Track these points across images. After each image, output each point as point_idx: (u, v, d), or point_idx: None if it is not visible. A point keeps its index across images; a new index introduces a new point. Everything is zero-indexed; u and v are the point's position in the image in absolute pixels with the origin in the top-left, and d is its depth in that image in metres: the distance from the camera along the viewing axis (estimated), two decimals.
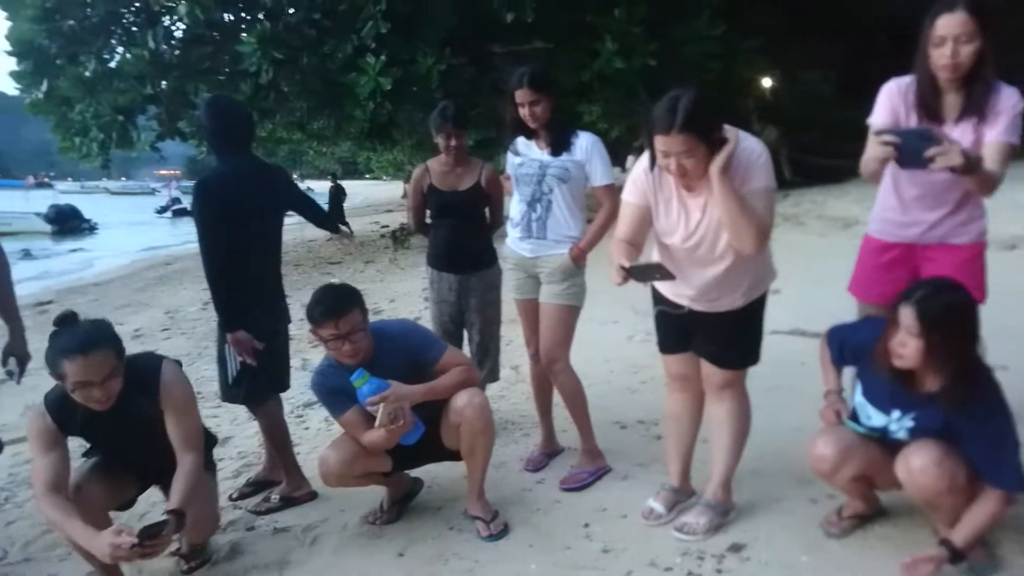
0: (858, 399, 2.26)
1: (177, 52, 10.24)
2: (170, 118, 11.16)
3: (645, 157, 2.24)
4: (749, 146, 2.15)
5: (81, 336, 2.12)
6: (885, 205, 2.44)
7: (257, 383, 2.93)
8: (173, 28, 10.23)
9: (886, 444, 2.19)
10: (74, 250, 19.77)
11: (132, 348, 6.03)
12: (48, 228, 23.90)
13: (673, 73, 9.67)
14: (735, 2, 10.02)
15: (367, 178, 50.95)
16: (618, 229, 2.34)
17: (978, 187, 2.19)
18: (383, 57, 8.58)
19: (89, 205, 30.10)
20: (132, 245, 19.70)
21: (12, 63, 10.68)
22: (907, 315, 1.96)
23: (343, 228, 3.53)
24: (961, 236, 2.33)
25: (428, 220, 3.42)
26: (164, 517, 2.11)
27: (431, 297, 3.45)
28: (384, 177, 42.74)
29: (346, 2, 8.70)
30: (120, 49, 10.58)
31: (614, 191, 2.89)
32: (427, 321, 3.44)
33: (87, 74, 10.04)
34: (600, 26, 8.84)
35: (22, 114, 12.66)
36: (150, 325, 7.48)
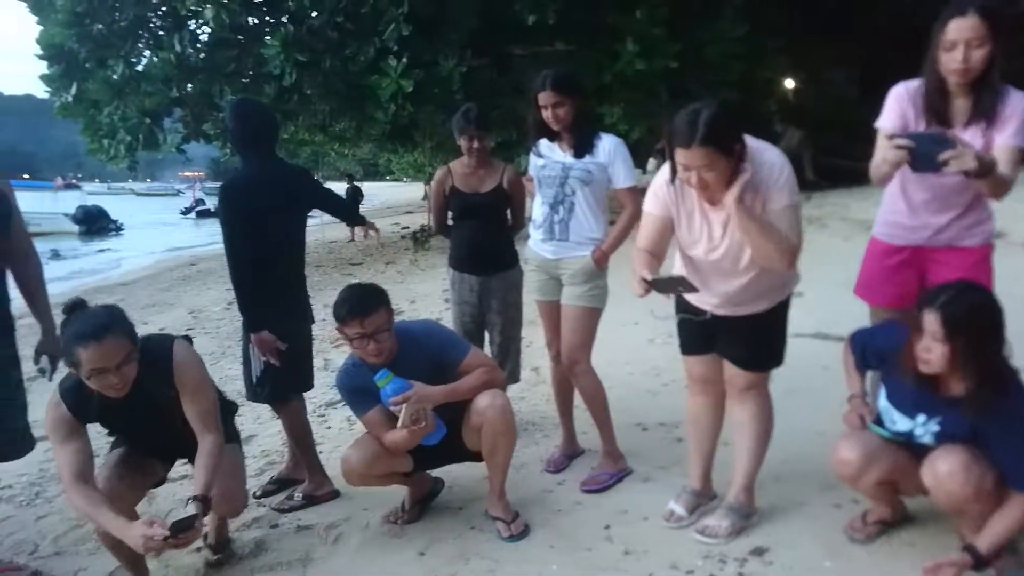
0: (882, 403, 2.24)
1: (202, 55, 10.37)
2: (195, 120, 11.31)
3: (666, 168, 2.24)
4: (769, 161, 2.14)
5: (93, 322, 2.09)
6: (892, 208, 2.44)
7: (280, 383, 2.97)
8: (199, 32, 10.37)
9: (911, 449, 2.17)
10: (101, 250, 20.12)
11: None
12: (76, 229, 24.33)
13: (695, 74, 9.64)
14: (757, 2, 9.95)
15: (388, 180, 51.26)
16: (639, 239, 2.34)
17: (990, 191, 2.20)
18: (404, 59, 8.64)
19: (115, 206, 30.60)
20: (157, 245, 20.01)
21: (42, 67, 10.90)
22: (931, 320, 1.94)
23: (369, 221, 3.57)
24: (969, 239, 2.34)
25: (450, 222, 3.44)
26: (189, 505, 2.12)
27: (452, 298, 3.47)
28: (404, 179, 42.94)
29: (368, 5, 8.76)
30: (147, 53, 10.76)
31: (636, 193, 2.89)
32: (448, 322, 3.46)
33: (115, 77, 10.21)
34: (621, 27, 8.82)
35: (51, 117, 12.91)
36: (175, 325, 7.59)
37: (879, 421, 2.25)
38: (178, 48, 9.67)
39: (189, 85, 10.54)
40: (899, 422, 2.18)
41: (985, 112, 2.18)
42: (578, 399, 3.16)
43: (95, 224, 25.37)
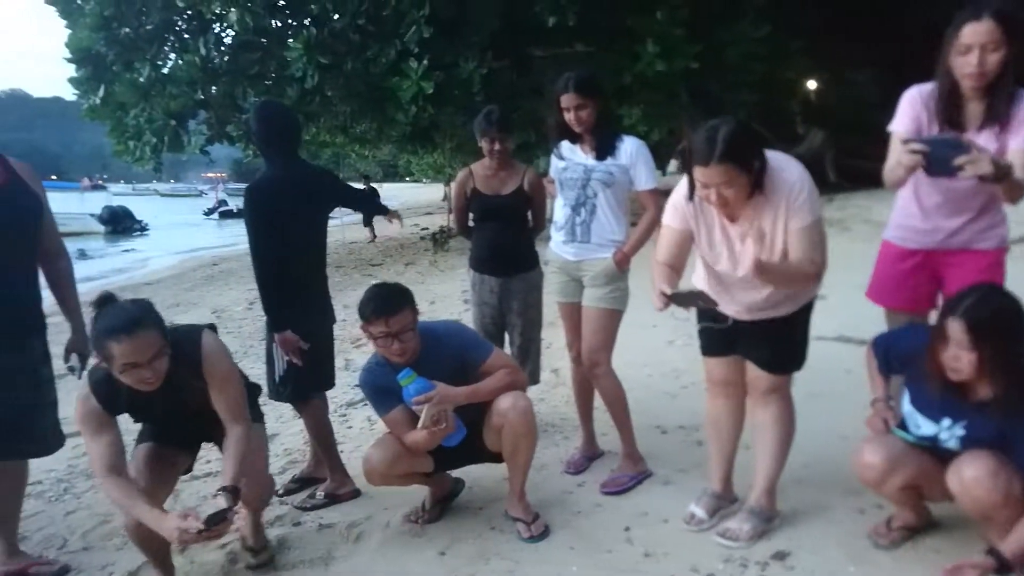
0: (906, 408, 2.22)
1: (226, 58, 10.53)
2: (219, 122, 11.47)
3: (684, 183, 2.24)
4: (788, 180, 2.14)
5: (125, 316, 2.07)
6: (905, 212, 2.44)
7: (303, 382, 3.00)
8: (223, 35, 10.53)
9: (936, 453, 2.15)
10: (126, 250, 20.44)
11: None
12: (101, 229, 24.71)
13: (715, 75, 9.58)
14: (779, 2, 9.87)
15: (407, 181, 51.47)
16: (658, 252, 2.35)
17: (1007, 195, 2.18)
18: (425, 61, 8.69)
19: (140, 206, 31.08)
20: (181, 246, 20.27)
21: (71, 70, 11.11)
22: (956, 329, 1.92)
23: (392, 210, 3.61)
24: (983, 242, 2.33)
25: (471, 223, 3.46)
26: (218, 496, 2.13)
27: (472, 299, 3.48)
28: (424, 180, 43.10)
29: (390, 7, 8.84)
30: (173, 56, 10.94)
31: (658, 195, 2.89)
32: (467, 323, 3.47)
33: (141, 80, 10.39)
34: (641, 28, 8.80)
35: (79, 119, 13.14)
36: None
37: (903, 425, 2.23)
38: (203, 51, 9.82)
39: (213, 87, 10.70)
40: (923, 426, 2.16)
41: (999, 116, 2.17)
42: (598, 401, 3.16)
43: (120, 224, 25.77)
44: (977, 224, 2.32)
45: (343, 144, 17.94)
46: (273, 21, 10.28)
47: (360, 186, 18.56)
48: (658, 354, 4.76)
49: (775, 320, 2.34)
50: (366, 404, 4.25)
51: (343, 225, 15.55)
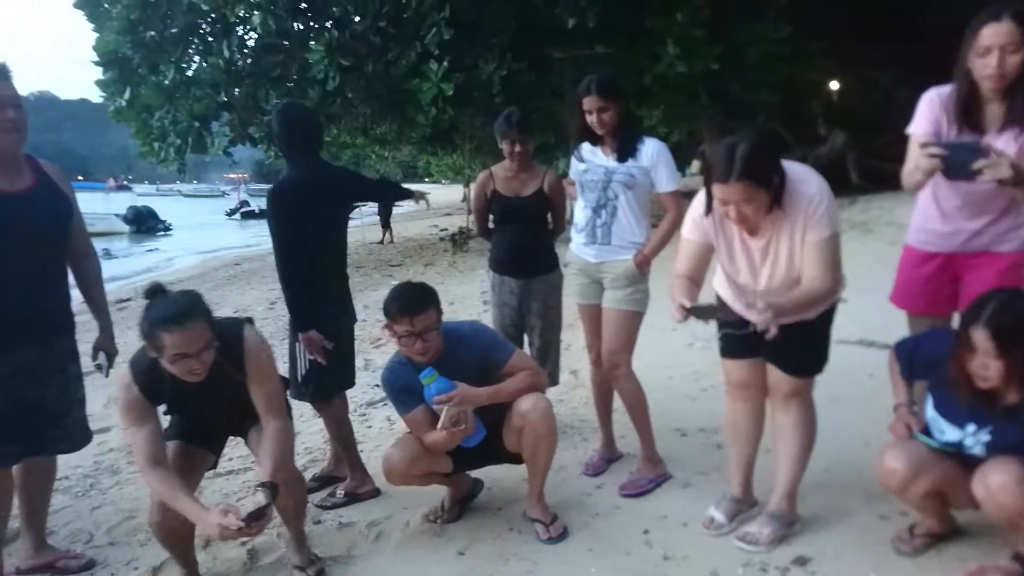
0: (929, 413, 2.20)
1: (249, 60, 10.66)
2: (242, 124, 11.61)
3: (702, 197, 2.23)
4: (807, 194, 2.13)
5: (176, 307, 2.09)
6: (926, 215, 2.42)
7: (324, 381, 3.03)
8: (246, 38, 10.66)
9: (961, 460, 2.12)
10: (150, 250, 20.74)
11: None
12: (126, 228, 25.11)
13: (736, 76, 9.53)
14: (801, 3, 9.79)
15: (426, 182, 51.71)
16: (677, 265, 2.35)
17: None
18: (445, 63, 8.74)
19: (164, 207, 31.52)
20: (203, 245, 20.54)
21: (97, 72, 11.30)
22: (982, 337, 1.90)
23: (417, 191, 3.65)
24: (1004, 244, 2.31)
25: (491, 225, 3.47)
26: (257, 492, 2.12)
27: (492, 300, 3.49)
28: (444, 181, 43.28)
29: (411, 10, 8.89)
30: (197, 58, 11.09)
31: (679, 197, 2.89)
32: (487, 324, 3.49)
33: (167, 82, 10.55)
34: (662, 30, 8.77)
35: (105, 120, 13.35)
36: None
37: (927, 431, 2.20)
38: (226, 54, 9.96)
39: (236, 89, 10.83)
40: (948, 432, 2.13)
41: (1019, 118, 2.15)
42: (617, 403, 3.16)
43: (145, 224, 26.19)
44: (998, 226, 2.29)
45: (363, 145, 18.11)
46: (295, 24, 10.39)
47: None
48: (678, 356, 4.74)
49: (798, 324, 2.33)
50: (385, 404, 4.29)
51: (363, 225, 15.68)
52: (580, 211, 3.00)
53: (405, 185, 3.92)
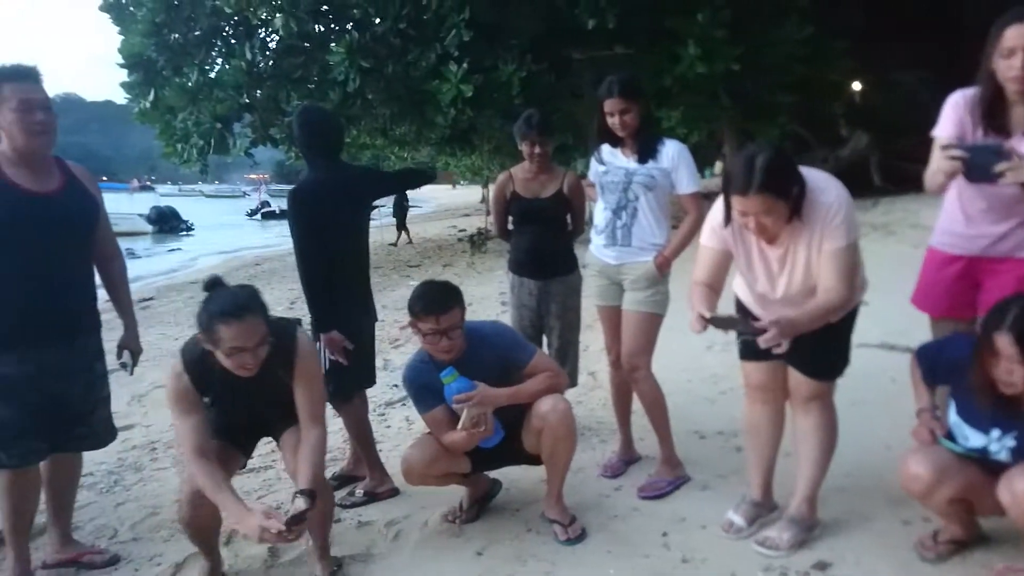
0: (952, 418, 2.17)
1: (271, 62, 10.76)
2: (263, 125, 11.73)
3: (720, 206, 2.23)
4: (825, 203, 2.12)
5: (235, 301, 2.12)
6: (950, 218, 2.39)
7: (344, 381, 3.04)
8: (268, 40, 10.76)
9: (986, 465, 2.09)
10: (172, 250, 21.00)
11: None
12: (149, 228, 25.45)
13: (757, 77, 9.46)
14: (823, 3, 9.70)
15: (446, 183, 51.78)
16: (696, 272, 2.34)
17: None
18: (465, 65, 8.76)
19: (186, 207, 31.89)
20: (225, 245, 20.76)
21: (122, 74, 11.46)
22: (1005, 343, 1.88)
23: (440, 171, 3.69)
24: None
25: (510, 226, 3.48)
26: (297, 499, 2.13)
27: (511, 302, 3.50)
28: (462, 182, 43.35)
29: (431, 12, 8.93)
30: (220, 60, 11.21)
31: (700, 199, 2.88)
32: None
33: (190, 84, 10.69)
34: (682, 30, 8.73)
35: (129, 121, 13.55)
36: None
37: (950, 436, 2.18)
38: (249, 56, 10.06)
39: (258, 91, 10.94)
40: (972, 438, 2.11)
41: None
42: (635, 405, 3.15)
43: (167, 224, 26.53)
44: (1023, 230, 2.26)
45: (383, 146, 18.18)
46: (316, 26, 10.47)
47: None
48: (697, 359, 4.71)
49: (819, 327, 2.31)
50: (404, 404, 4.31)
51: (381, 226, 15.76)
52: (600, 213, 3.00)
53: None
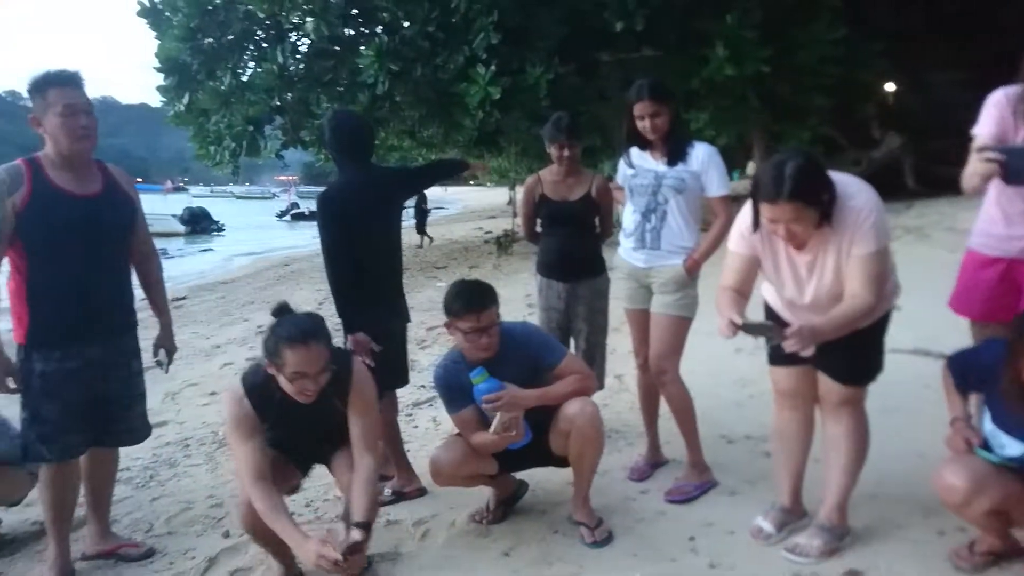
0: (988, 426, 2.13)
1: (302, 66, 10.89)
2: (294, 127, 11.87)
3: (748, 212, 2.21)
4: (855, 207, 2.10)
5: (302, 327, 2.18)
6: (989, 219, 2.37)
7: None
8: (299, 44, 10.89)
9: None
10: (204, 250, 21.35)
11: (256, 344, 6.37)
12: (182, 229, 25.89)
13: (787, 78, 9.34)
14: (857, 3, 9.55)
15: (472, 184, 51.98)
16: (724, 278, 2.33)
17: None
18: (493, 67, 8.78)
19: (217, 208, 32.40)
20: (255, 246, 21.05)
21: (156, 78, 11.68)
22: None
23: (464, 160, 3.71)
24: None
25: (539, 229, 3.49)
26: (353, 531, 2.15)
27: (539, 304, 3.51)
28: (489, 184, 43.45)
29: (459, 15, 8.97)
30: (252, 64, 11.38)
31: (729, 202, 2.87)
32: None
33: (223, 88, 10.85)
34: (711, 32, 8.66)
35: (162, 124, 13.80)
36: (271, 323, 7.96)
37: (986, 445, 2.13)
38: (280, 59, 10.19)
39: (289, 94, 11.07)
40: (1009, 446, 2.06)
41: None
42: (662, 408, 3.14)
43: (199, 224, 27.00)
44: None
45: (410, 148, 18.31)
46: (347, 30, 10.58)
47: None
48: (724, 362, 4.67)
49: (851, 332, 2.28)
50: (431, 405, 4.34)
51: (408, 227, 15.86)
52: (629, 216, 3.00)
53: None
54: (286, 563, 2.44)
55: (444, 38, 9.21)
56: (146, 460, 3.81)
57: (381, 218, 3.08)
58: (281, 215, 36.37)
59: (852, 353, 2.32)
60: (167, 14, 10.96)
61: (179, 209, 28.58)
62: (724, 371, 4.50)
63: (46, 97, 2.38)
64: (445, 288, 2.67)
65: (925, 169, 12.08)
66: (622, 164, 3.04)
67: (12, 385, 2.43)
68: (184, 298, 10.44)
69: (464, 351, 2.57)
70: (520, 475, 2.91)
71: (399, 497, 3.09)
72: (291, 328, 2.17)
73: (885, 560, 2.33)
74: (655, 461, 3.23)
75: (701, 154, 2.85)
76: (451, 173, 3.74)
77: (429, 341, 6.18)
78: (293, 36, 10.80)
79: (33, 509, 3.02)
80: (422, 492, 3.11)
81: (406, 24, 9.66)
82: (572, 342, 3.46)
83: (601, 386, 3.58)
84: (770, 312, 2.46)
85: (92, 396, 2.52)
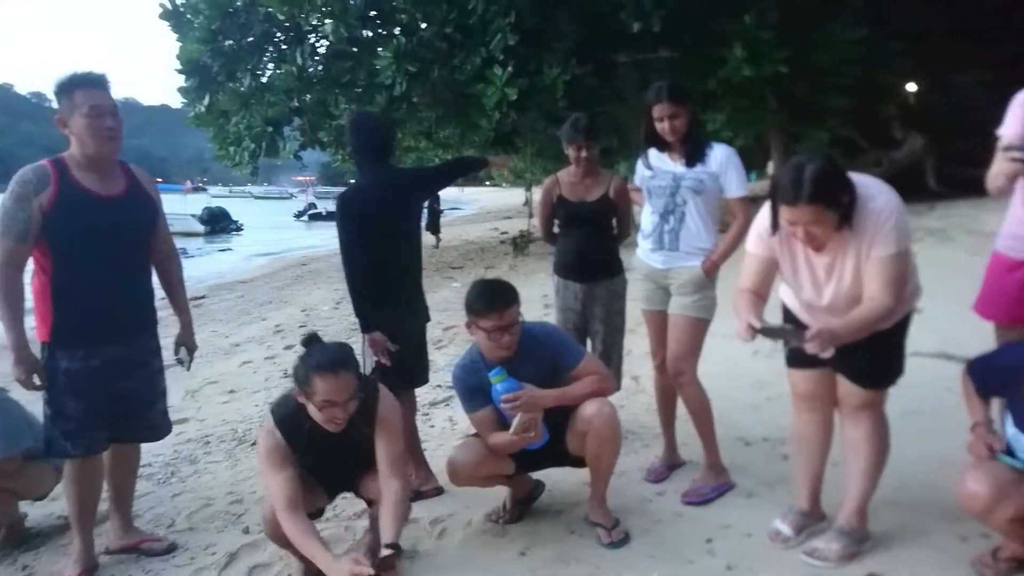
0: (1010, 431, 2.10)
1: (320, 67, 10.97)
2: (312, 128, 11.96)
3: (767, 214, 2.20)
4: (876, 209, 2.08)
5: (331, 356, 2.22)
6: (1015, 220, 2.34)
7: (387, 381, 3.09)
8: (317, 45, 10.98)
9: None
10: (223, 250, 21.56)
11: (274, 343, 6.44)
12: (201, 228, 26.18)
13: (805, 79, 9.26)
14: (878, 2, 9.44)
15: (488, 185, 52.08)
16: (742, 280, 2.32)
17: None
18: (510, 68, 8.79)
19: (236, 208, 32.70)
20: (272, 246, 21.22)
21: (177, 79, 11.82)
22: None
23: (480, 157, 3.72)
24: None
25: (556, 229, 3.50)
26: (384, 552, 2.18)
27: (556, 305, 3.51)
28: (505, 184, 43.50)
29: (476, 16, 8.99)
30: (271, 66, 11.49)
31: (748, 203, 2.85)
32: None
33: (243, 89, 10.97)
34: (729, 32, 8.60)
35: (182, 125, 13.96)
36: (289, 321, 8.05)
37: (1009, 451, 2.11)
38: (299, 61, 10.28)
39: (307, 95, 11.17)
40: None
41: None
42: (679, 410, 3.13)
43: (218, 224, 27.30)
44: None
45: (427, 149, 18.38)
46: (365, 31, 10.64)
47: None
48: (742, 365, 4.65)
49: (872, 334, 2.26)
50: (447, 404, 4.36)
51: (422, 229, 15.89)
52: (647, 217, 3.00)
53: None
54: (305, 560, 2.45)
55: (461, 39, 9.24)
56: (167, 456, 3.86)
57: (400, 218, 3.10)
58: (299, 215, 36.63)
59: (872, 356, 2.31)
60: (188, 16, 11.09)
61: (199, 209, 28.89)
62: (741, 373, 4.48)
63: (72, 98, 2.42)
64: (461, 289, 2.69)
65: (947, 170, 11.91)
66: (640, 165, 3.03)
67: (38, 382, 2.47)
68: (203, 297, 10.55)
69: (484, 350, 2.57)
70: (536, 475, 2.91)
71: (416, 496, 3.08)
72: (321, 357, 2.22)
73: (906, 566, 2.31)
74: (672, 462, 3.22)
75: (719, 155, 2.84)
76: (470, 170, 3.76)
77: (445, 341, 6.20)
78: (312, 38, 10.88)
79: (58, 503, 3.07)
80: (439, 491, 3.12)
81: (424, 25, 9.69)
82: (589, 343, 3.46)
83: (617, 387, 3.58)
84: (788, 314, 2.45)
85: (114, 393, 2.56)
